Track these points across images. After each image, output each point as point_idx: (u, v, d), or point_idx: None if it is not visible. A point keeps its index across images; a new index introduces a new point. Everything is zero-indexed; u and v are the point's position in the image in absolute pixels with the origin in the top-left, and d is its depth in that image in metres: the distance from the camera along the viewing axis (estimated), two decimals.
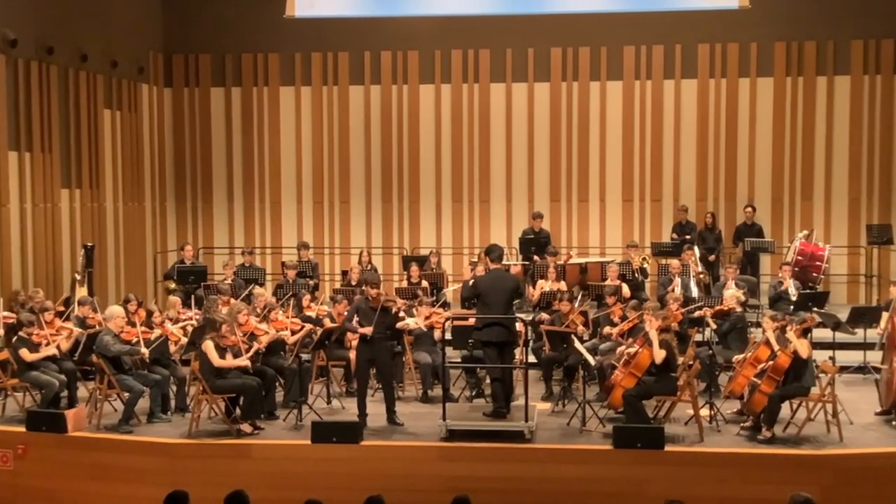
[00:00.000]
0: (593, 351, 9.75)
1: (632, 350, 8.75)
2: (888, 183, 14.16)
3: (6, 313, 10.12)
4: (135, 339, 9.09)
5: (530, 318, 10.49)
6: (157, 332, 9.43)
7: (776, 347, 8.36)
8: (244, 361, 8.77)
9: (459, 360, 10.15)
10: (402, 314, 9.42)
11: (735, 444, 8.26)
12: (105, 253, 13.51)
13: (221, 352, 8.74)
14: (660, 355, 8.41)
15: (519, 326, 9.08)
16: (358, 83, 14.95)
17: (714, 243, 13.59)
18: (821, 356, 9.54)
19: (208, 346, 8.66)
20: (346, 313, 9.38)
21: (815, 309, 10.51)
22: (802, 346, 8.25)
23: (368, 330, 8.71)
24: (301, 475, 8.09)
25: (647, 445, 7.92)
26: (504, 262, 9.43)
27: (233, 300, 10.74)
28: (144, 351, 9.03)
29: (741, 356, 8.90)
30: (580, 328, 9.72)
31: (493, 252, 8.91)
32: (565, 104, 14.67)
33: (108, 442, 8.53)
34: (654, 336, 8.45)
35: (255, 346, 9.02)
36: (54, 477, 8.47)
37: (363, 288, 9.03)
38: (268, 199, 15.23)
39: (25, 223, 12.03)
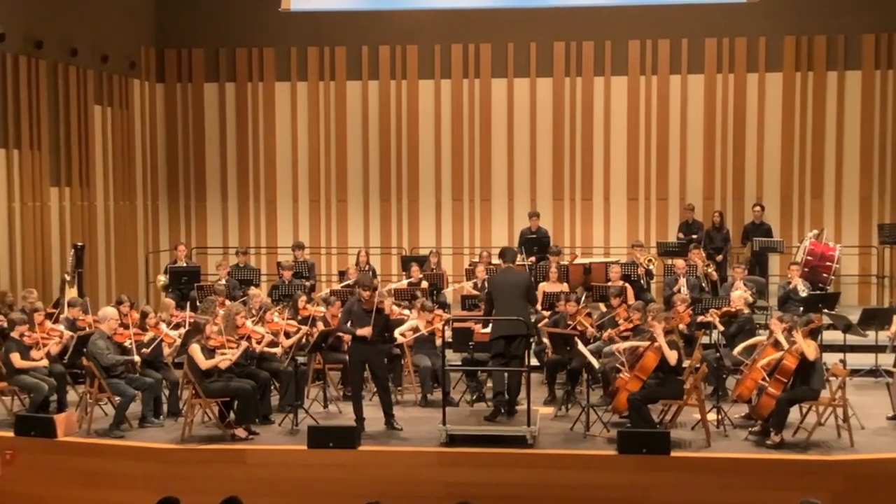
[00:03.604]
0: (597, 354, 9.58)
1: (626, 344, 8.57)
2: None
3: None
4: (128, 342, 9.02)
5: (532, 319, 10.33)
6: (150, 334, 9.35)
7: (785, 347, 8.28)
8: (229, 356, 8.62)
9: (460, 363, 10.05)
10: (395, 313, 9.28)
11: (743, 450, 8.19)
12: (95, 253, 13.40)
13: (209, 353, 8.65)
14: (673, 356, 8.26)
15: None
16: (355, 78, 14.83)
17: (722, 243, 13.49)
18: (831, 359, 9.40)
19: (194, 349, 8.59)
20: (339, 316, 9.25)
21: (826, 310, 10.44)
22: (809, 348, 8.16)
23: (367, 331, 8.59)
24: (297, 481, 8.04)
25: (653, 451, 7.85)
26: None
27: (227, 301, 10.62)
28: (137, 359, 8.96)
29: (743, 346, 8.82)
30: (590, 330, 9.56)
31: (506, 255, 9.00)
32: (568, 100, 14.54)
33: (99, 447, 8.48)
34: (661, 339, 8.28)
35: (244, 344, 8.84)
36: (43, 483, 8.42)
37: (356, 290, 8.93)
38: (263, 197, 15.12)
39: (14, 222, 11.93)
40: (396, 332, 9.61)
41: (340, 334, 10.12)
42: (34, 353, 9.09)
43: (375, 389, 9.18)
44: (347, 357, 9.94)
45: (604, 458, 7.98)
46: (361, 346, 8.70)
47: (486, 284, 8.95)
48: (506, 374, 8.53)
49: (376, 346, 8.77)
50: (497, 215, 14.72)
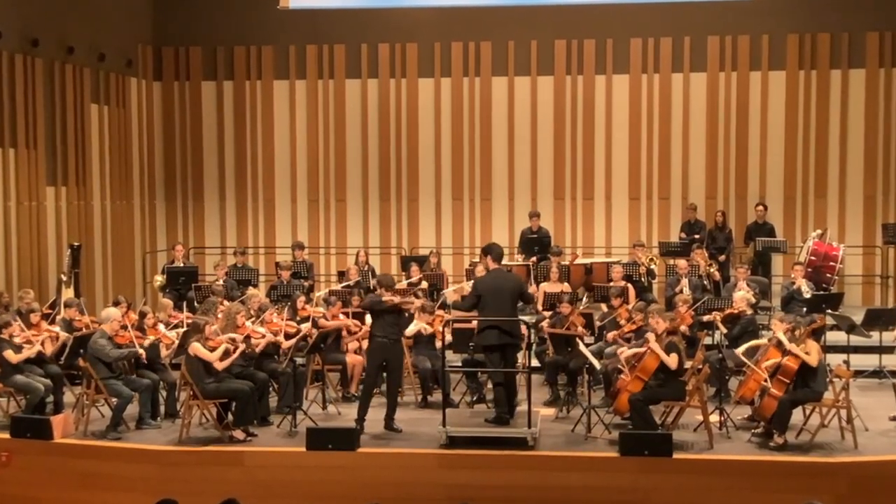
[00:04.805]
0: (598, 354, 9.52)
1: (630, 352, 8.55)
2: None
3: None
4: (127, 343, 8.97)
5: (533, 320, 10.26)
6: (150, 337, 9.30)
7: (787, 348, 8.21)
8: (231, 355, 8.59)
9: (460, 363, 9.98)
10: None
11: (746, 452, 8.15)
12: (92, 253, 13.29)
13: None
14: (672, 361, 8.18)
15: (521, 329, 8.84)
16: (355, 77, 14.74)
17: (724, 243, 13.41)
18: (835, 360, 9.37)
19: (196, 347, 8.47)
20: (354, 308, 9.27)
21: (829, 311, 10.37)
22: (812, 349, 8.12)
23: (395, 298, 8.56)
24: (295, 483, 8.00)
25: (655, 453, 7.81)
26: (504, 262, 9.21)
27: (225, 301, 10.55)
28: (142, 351, 8.94)
29: (746, 346, 8.78)
30: (580, 329, 9.51)
31: (493, 252, 8.70)
32: (569, 98, 14.44)
33: (96, 449, 8.44)
34: (655, 346, 8.23)
35: (242, 346, 8.78)
36: (40, 485, 8.37)
37: (378, 290, 8.90)
38: (261, 197, 15.02)
39: (9, 222, 11.85)
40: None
41: (340, 336, 10.10)
42: (27, 350, 9.00)
43: (380, 390, 9.16)
44: (350, 359, 9.90)
45: (605, 460, 7.92)
46: (382, 347, 8.64)
47: (474, 286, 8.68)
48: (503, 391, 8.44)
49: (396, 346, 8.75)
50: (497, 215, 14.62)
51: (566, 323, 9.64)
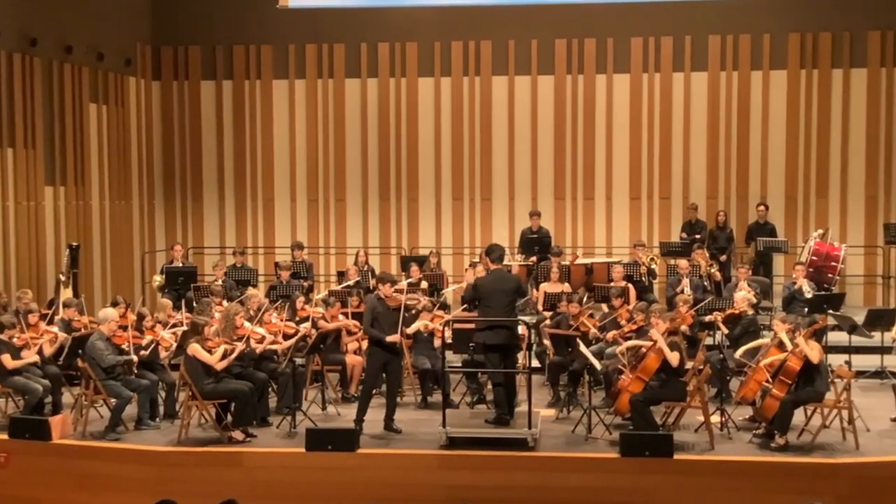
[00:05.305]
0: (599, 355, 9.49)
1: (630, 343, 8.53)
2: None
3: None
4: (126, 345, 8.96)
5: (534, 320, 10.24)
6: (148, 337, 9.28)
7: (789, 348, 8.20)
8: (231, 354, 8.58)
9: (460, 364, 9.95)
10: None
11: (747, 452, 8.12)
12: (91, 253, 13.28)
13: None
14: (675, 358, 8.16)
15: (522, 329, 8.88)
16: (354, 76, 14.72)
17: (725, 243, 13.41)
18: (836, 360, 9.34)
19: (196, 348, 8.45)
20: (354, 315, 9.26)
21: (831, 311, 10.36)
22: (812, 351, 8.10)
23: (396, 338, 8.54)
24: (295, 484, 7.99)
25: (656, 453, 7.79)
26: (505, 262, 9.19)
27: (225, 302, 10.51)
28: (135, 358, 8.92)
29: (745, 348, 8.75)
30: (593, 331, 9.52)
31: (494, 252, 8.70)
32: (570, 98, 14.42)
33: (94, 450, 8.42)
34: (661, 341, 8.22)
35: (240, 345, 8.73)
36: (38, 486, 8.36)
37: (380, 286, 8.83)
38: (260, 196, 15.00)
39: (8, 222, 11.84)
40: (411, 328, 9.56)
41: (340, 336, 10.06)
42: (25, 354, 8.98)
43: (380, 390, 9.13)
44: (350, 359, 9.85)
45: (606, 461, 7.91)
46: (384, 349, 8.59)
47: (474, 284, 8.67)
48: (503, 391, 8.42)
49: (397, 347, 8.71)
50: (497, 215, 14.60)
51: (576, 323, 9.62)
